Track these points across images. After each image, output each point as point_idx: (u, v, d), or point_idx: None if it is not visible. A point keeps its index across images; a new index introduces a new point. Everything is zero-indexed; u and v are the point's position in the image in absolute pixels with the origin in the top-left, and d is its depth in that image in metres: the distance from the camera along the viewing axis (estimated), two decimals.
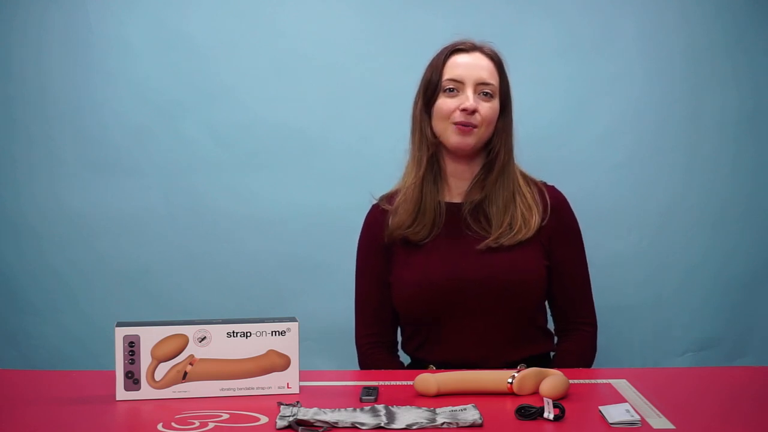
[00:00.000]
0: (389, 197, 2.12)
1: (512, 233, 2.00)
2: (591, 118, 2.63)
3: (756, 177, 2.63)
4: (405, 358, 2.15)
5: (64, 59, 2.64)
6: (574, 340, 2.08)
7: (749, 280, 2.64)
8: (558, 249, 2.05)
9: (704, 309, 2.64)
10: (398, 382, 1.72)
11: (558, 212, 2.06)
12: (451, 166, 2.06)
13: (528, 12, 2.62)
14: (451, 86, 2.01)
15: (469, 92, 1.99)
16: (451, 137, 2.01)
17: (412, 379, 1.65)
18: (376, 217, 2.11)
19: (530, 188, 2.06)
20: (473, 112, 1.98)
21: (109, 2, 2.63)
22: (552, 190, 2.09)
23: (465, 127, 1.99)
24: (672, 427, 1.44)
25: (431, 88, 2.03)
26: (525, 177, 2.08)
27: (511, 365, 1.77)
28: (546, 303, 2.10)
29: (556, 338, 2.12)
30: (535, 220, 2.01)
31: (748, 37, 2.61)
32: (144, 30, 2.63)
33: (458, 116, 1.99)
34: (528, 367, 1.67)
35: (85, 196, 2.65)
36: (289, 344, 1.65)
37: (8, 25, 2.63)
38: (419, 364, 2.06)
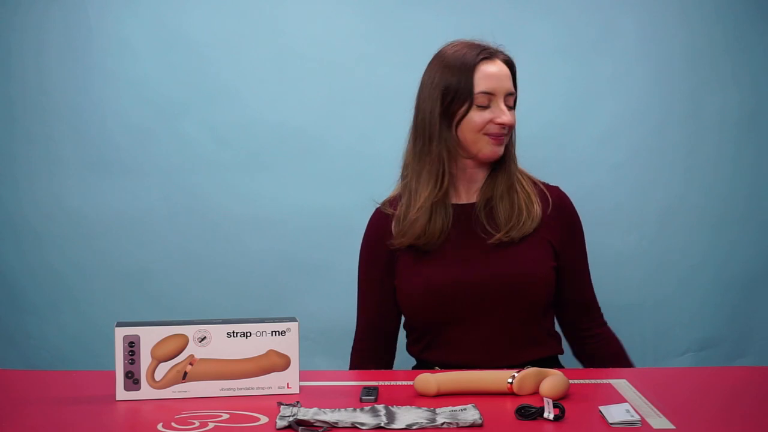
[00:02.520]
0: (392, 201, 2.09)
1: (520, 225, 1.99)
2: (591, 118, 2.63)
3: (756, 177, 2.63)
4: (410, 360, 2.13)
5: (64, 59, 2.64)
6: (607, 330, 2.09)
7: (749, 280, 2.64)
8: (566, 250, 2.03)
9: (704, 309, 2.64)
10: (398, 382, 1.72)
11: (562, 210, 2.05)
12: (468, 171, 2.04)
13: (528, 12, 2.62)
14: (485, 101, 1.97)
15: (502, 105, 1.98)
16: (485, 148, 1.99)
17: (412, 379, 1.65)
18: (379, 222, 2.08)
19: (526, 182, 2.05)
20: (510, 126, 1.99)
21: (109, 2, 2.63)
22: (555, 189, 2.08)
23: (499, 138, 1.98)
24: (672, 427, 1.44)
25: (460, 98, 1.97)
26: (522, 173, 2.07)
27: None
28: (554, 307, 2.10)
29: (568, 343, 2.10)
30: (536, 210, 2.00)
31: (748, 37, 2.61)
32: (144, 30, 2.63)
33: (493, 128, 1.97)
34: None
35: (85, 196, 2.65)
36: (289, 344, 1.65)
37: (8, 25, 2.63)
38: (425, 365, 2.05)
